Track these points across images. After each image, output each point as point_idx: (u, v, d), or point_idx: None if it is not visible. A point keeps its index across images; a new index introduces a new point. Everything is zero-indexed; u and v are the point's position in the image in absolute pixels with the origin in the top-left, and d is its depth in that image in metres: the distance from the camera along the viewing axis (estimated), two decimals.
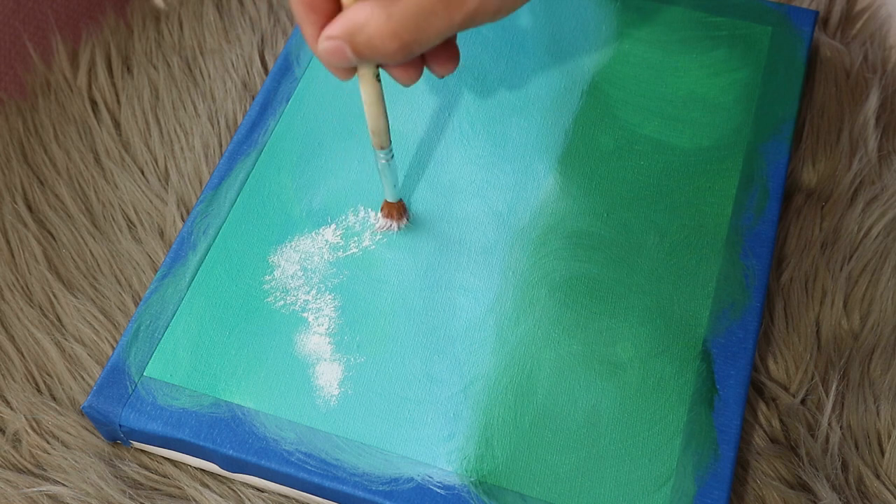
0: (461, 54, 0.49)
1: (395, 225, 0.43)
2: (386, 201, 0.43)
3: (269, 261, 0.43)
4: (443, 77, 0.38)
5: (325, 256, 0.43)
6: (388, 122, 0.38)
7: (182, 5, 0.56)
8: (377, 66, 0.36)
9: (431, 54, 0.37)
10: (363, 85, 0.36)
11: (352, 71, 0.35)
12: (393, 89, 0.48)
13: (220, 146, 0.50)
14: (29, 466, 0.41)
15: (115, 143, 0.51)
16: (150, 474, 0.41)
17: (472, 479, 0.37)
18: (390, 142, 0.39)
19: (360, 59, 0.33)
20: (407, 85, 0.37)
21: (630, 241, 0.43)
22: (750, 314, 0.41)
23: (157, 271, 0.45)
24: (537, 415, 0.39)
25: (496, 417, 0.39)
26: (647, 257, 0.42)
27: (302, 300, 0.42)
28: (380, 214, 0.44)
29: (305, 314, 0.41)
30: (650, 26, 0.50)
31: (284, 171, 0.46)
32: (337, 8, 0.33)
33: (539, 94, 0.48)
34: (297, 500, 0.40)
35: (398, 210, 0.43)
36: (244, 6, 0.56)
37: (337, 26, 0.32)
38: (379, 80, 0.36)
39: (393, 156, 0.40)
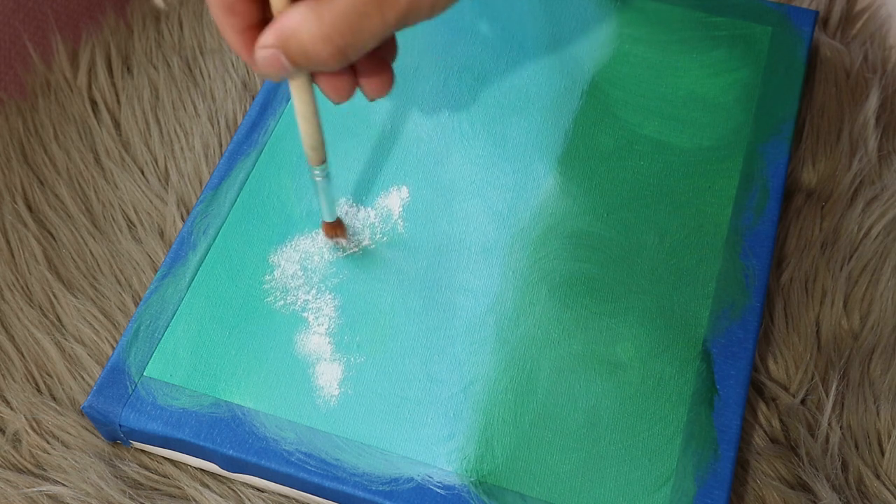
0: (462, 54, 0.49)
1: (341, 242, 0.43)
2: (325, 222, 0.42)
3: (269, 261, 0.43)
4: (373, 100, 0.37)
5: (325, 256, 0.43)
6: (323, 137, 0.37)
7: (182, 5, 0.56)
8: (311, 78, 0.35)
9: (364, 77, 0.36)
10: (296, 96, 0.35)
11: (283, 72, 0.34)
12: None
13: (220, 146, 0.50)
14: (29, 466, 0.41)
15: (115, 143, 0.51)
16: (150, 474, 0.41)
17: (472, 479, 0.37)
18: (326, 157, 0.38)
19: (295, 66, 0.32)
20: (336, 102, 0.36)
21: (630, 241, 0.43)
22: (750, 314, 0.41)
23: (157, 271, 0.45)
24: (537, 415, 0.39)
25: (496, 417, 0.39)
26: (647, 257, 0.42)
27: (302, 300, 0.42)
28: (322, 236, 0.43)
29: (305, 314, 0.41)
30: (650, 26, 0.50)
31: (284, 171, 0.46)
32: (257, 10, 0.32)
33: (539, 94, 0.48)
34: (297, 500, 0.40)
35: (338, 228, 0.42)
36: None
37: (270, 34, 0.31)
38: (313, 93, 0.35)
39: (329, 174, 0.39)
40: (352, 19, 0.30)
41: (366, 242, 0.43)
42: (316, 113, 0.36)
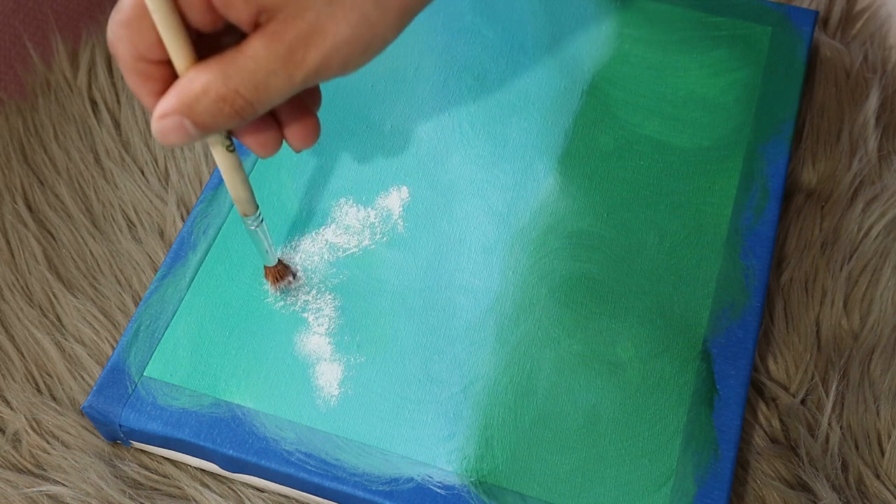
0: (462, 54, 0.49)
1: (290, 283, 0.42)
2: (265, 266, 0.41)
3: None
4: (299, 151, 0.36)
5: (325, 256, 0.43)
6: (250, 188, 0.37)
7: None
8: (228, 136, 0.34)
9: (288, 128, 0.35)
10: (217, 156, 0.34)
11: (187, 139, 0.31)
12: (392, 88, 0.48)
13: None
14: (29, 466, 0.41)
15: (115, 143, 0.51)
16: (150, 474, 0.41)
17: (472, 479, 0.37)
18: (257, 206, 0.38)
19: (202, 131, 0.30)
20: (263, 157, 0.35)
21: (630, 241, 0.43)
22: (750, 314, 0.41)
23: (157, 271, 0.45)
24: (537, 415, 0.39)
25: (496, 417, 0.39)
26: (647, 257, 0.42)
27: (302, 300, 0.42)
28: (267, 282, 0.42)
29: (305, 314, 0.41)
30: (650, 26, 0.50)
31: (284, 171, 0.46)
32: (173, 71, 0.31)
33: (539, 94, 0.48)
34: (297, 500, 0.40)
35: (280, 272, 0.41)
36: None
37: (171, 101, 0.30)
38: (233, 149, 0.34)
39: (262, 219, 0.38)
40: (258, 77, 0.29)
41: (366, 243, 0.43)
42: (239, 168, 0.35)
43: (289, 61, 0.29)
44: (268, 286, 0.42)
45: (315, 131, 0.36)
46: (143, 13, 0.29)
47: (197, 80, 0.30)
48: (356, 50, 0.30)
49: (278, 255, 0.43)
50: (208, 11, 0.29)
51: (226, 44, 0.31)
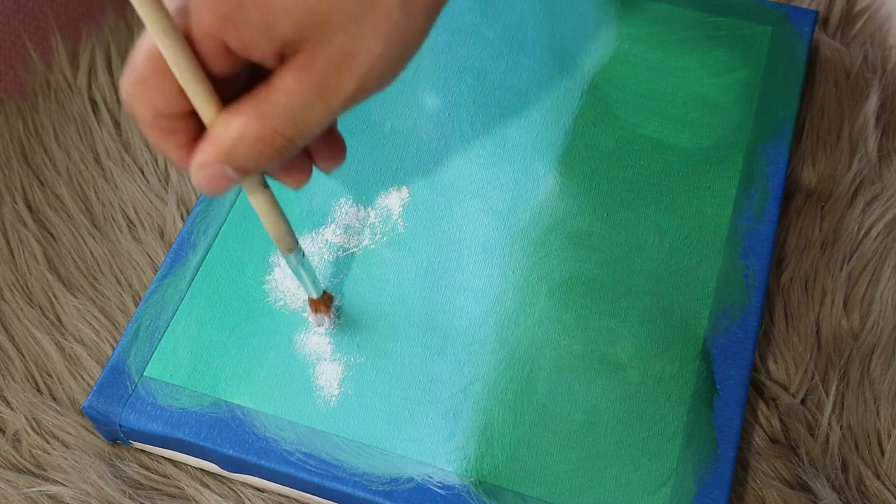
0: (462, 54, 0.49)
1: (325, 319, 0.41)
2: (310, 299, 0.40)
3: (269, 261, 0.43)
4: (331, 172, 0.35)
5: (325, 256, 0.43)
6: (288, 223, 0.35)
7: None
8: (262, 174, 0.33)
9: (317, 152, 0.34)
10: (252, 197, 0.33)
11: (230, 185, 0.30)
12: (392, 88, 0.48)
13: None
14: (29, 466, 0.41)
15: (115, 143, 0.51)
16: (150, 474, 0.41)
17: (472, 479, 0.37)
18: (297, 241, 0.36)
19: (244, 174, 0.30)
20: (296, 188, 0.34)
21: (630, 241, 0.43)
22: (750, 314, 0.41)
23: (157, 271, 0.45)
24: (537, 415, 0.39)
25: (496, 417, 0.39)
26: (647, 257, 0.42)
27: (302, 300, 0.42)
28: (309, 311, 0.41)
29: (305, 314, 0.41)
30: (650, 26, 0.50)
31: None
32: (196, 123, 0.30)
33: (539, 94, 0.48)
34: (297, 500, 0.40)
35: (325, 303, 0.40)
36: None
37: (209, 150, 0.29)
38: (267, 186, 0.33)
39: (304, 253, 0.37)
40: (295, 112, 0.28)
41: (366, 242, 0.43)
42: (275, 205, 0.34)
43: (324, 90, 0.28)
44: (308, 315, 0.41)
45: (343, 149, 0.34)
46: (158, 68, 0.28)
47: (232, 125, 0.29)
48: (391, 64, 0.29)
49: (281, 254, 0.43)
50: (226, 56, 0.28)
51: (238, 84, 0.30)
